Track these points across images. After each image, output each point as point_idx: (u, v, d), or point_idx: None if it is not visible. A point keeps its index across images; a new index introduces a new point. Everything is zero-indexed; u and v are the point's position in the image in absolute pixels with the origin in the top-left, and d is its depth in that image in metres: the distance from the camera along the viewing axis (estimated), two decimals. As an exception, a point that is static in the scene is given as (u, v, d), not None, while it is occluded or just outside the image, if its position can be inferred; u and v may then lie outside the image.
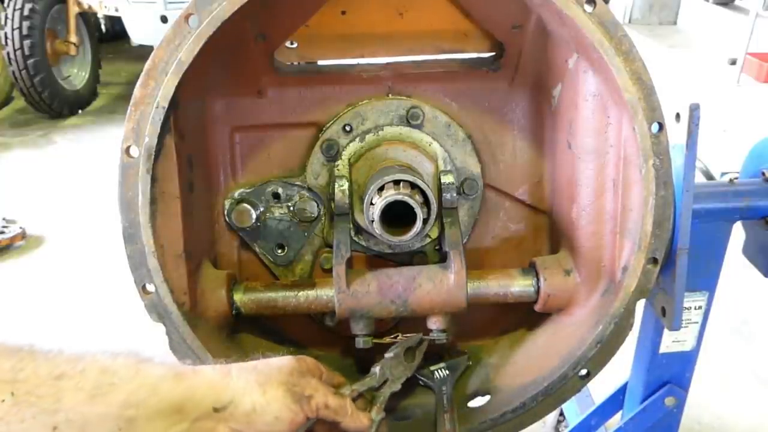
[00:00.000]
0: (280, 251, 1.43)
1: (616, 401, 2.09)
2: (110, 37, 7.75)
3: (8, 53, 6.06)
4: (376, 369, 1.17)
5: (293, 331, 1.47)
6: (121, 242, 1.14)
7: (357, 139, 1.40)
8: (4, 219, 4.43)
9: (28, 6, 6.05)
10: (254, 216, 1.39)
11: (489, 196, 1.46)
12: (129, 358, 0.88)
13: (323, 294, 1.28)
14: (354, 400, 1.08)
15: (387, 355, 1.20)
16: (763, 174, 1.45)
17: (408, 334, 1.26)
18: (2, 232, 4.27)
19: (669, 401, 1.71)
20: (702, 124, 1.18)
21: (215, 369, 0.96)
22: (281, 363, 1.00)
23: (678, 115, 1.21)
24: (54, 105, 6.49)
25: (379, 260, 1.45)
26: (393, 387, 1.17)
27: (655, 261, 1.18)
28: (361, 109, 1.40)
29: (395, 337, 1.22)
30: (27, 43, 6.05)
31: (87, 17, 6.83)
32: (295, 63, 1.47)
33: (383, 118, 1.40)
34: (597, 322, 1.23)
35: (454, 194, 1.30)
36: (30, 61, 6.07)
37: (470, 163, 1.42)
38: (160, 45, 1.08)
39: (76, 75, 6.97)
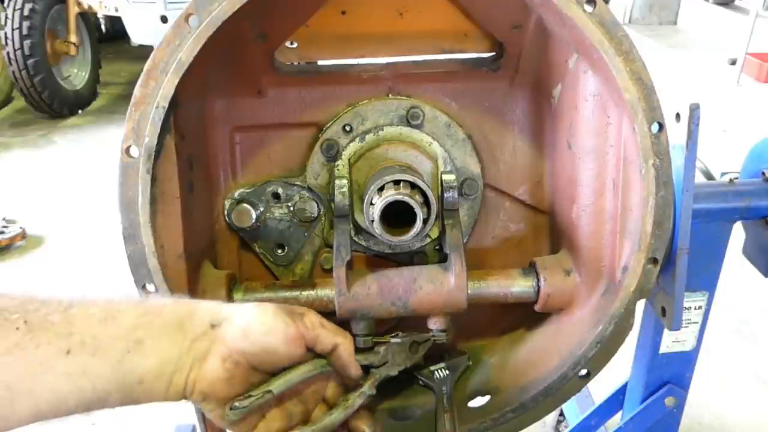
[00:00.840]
0: (280, 251, 1.43)
1: (616, 401, 2.09)
2: (110, 37, 7.75)
3: (8, 53, 6.06)
4: (381, 348, 1.17)
5: (293, 331, 1.47)
6: (121, 242, 1.14)
7: (357, 139, 1.40)
8: (4, 219, 4.43)
9: (28, 6, 6.05)
10: (254, 216, 1.39)
11: (489, 196, 1.46)
12: (133, 297, 0.96)
13: (323, 294, 1.28)
14: None
15: (394, 340, 1.19)
16: (763, 174, 1.45)
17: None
18: (2, 232, 4.27)
19: (669, 401, 1.71)
20: (702, 124, 1.18)
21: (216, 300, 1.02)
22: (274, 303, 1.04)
23: (678, 115, 1.21)
24: (54, 105, 6.49)
25: (379, 260, 1.45)
26: (390, 371, 1.16)
27: (655, 261, 1.18)
28: (361, 109, 1.40)
29: (395, 336, 1.22)
30: (27, 43, 6.05)
31: (87, 17, 6.83)
32: (295, 63, 1.47)
33: (383, 118, 1.40)
34: (597, 322, 1.23)
35: (456, 194, 1.30)
36: (30, 61, 6.07)
37: (470, 163, 1.42)
38: (160, 45, 1.08)
39: (76, 75, 6.98)
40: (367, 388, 1.09)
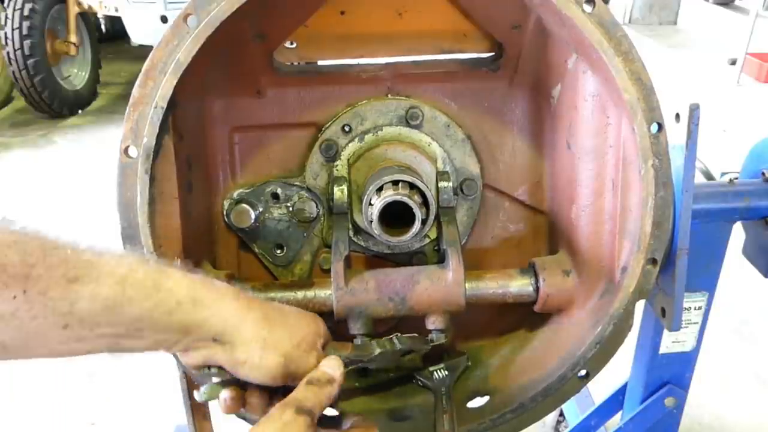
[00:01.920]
0: (279, 251, 1.43)
1: (616, 401, 2.09)
2: (110, 37, 7.75)
3: (8, 53, 6.06)
4: (376, 350, 1.13)
5: (292, 332, 1.47)
6: (120, 242, 1.13)
7: (356, 140, 1.40)
8: (4, 219, 4.43)
9: (28, 6, 6.05)
10: (253, 216, 1.39)
11: (488, 197, 1.46)
12: (150, 270, 0.88)
13: (321, 294, 1.28)
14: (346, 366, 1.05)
15: (395, 346, 1.15)
16: (763, 174, 1.45)
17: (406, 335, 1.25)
18: (2, 232, 4.27)
19: (669, 401, 1.71)
20: (702, 124, 1.17)
21: (236, 306, 0.95)
22: (294, 331, 1.00)
23: (678, 115, 1.20)
24: (54, 105, 6.49)
25: (378, 261, 1.45)
26: (370, 365, 1.14)
27: (654, 261, 1.18)
28: (361, 110, 1.40)
29: (391, 339, 1.22)
30: (27, 43, 6.04)
31: (87, 17, 6.82)
32: (295, 63, 1.47)
33: (382, 119, 1.40)
34: (596, 322, 1.23)
35: (451, 194, 1.30)
36: (30, 61, 6.07)
37: (469, 163, 1.42)
38: (159, 45, 1.08)
39: (76, 75, 6.97)
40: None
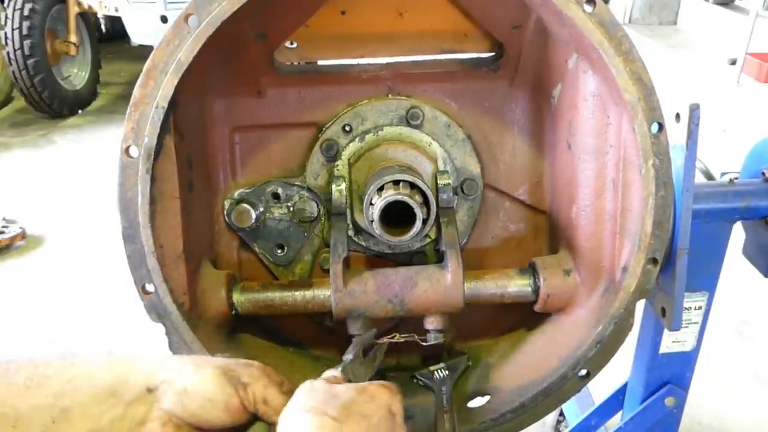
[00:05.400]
0: (279, 251, 1.43)
1: (616, 401, 2.09)
2: (110, 37, 7.75)
3: (8, 53, 6.07)
4: (337, 372, 1.02)
5: (293, 331, 1.47)
6: (120, 242, 1.14)
7: (357, 140, 1.40)
8: (4, 219, 4.43)
9: (28, 6, 6.06)
10: (254, 216, 1.39)
11: (489, 197, 1.46)
12: (66, 353, 0.86)
13: (320, 294, 1.28)
14: None
15: (345, 357, 1.09)
16: (763, 174, 1.45)
17: (405, 335, 1.26)
18: (2, 232, 4.27)
19: (669, 401, 1.72)
20: (702, 124, 1.18)
21: (152, 354, 0.91)
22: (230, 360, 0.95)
23: (678, 115, 1.21)
24: (54, 105, 6.50)
25: (378, 260, 1.45)
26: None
27: (654, 261, 1.18)
28: (361, 109, 1.40)
29: (392, 338, 1.22)
30: (27, 43, 6.05)
31: (87, 17, 6.84)
32: (295, 63, 1.47)
33: (383, 119, 1.40)
34: (597, 322, 1.23)
35: (451, 194, 1.30)
36: (30, 61, 6.08)
37: (470, 163, 1.42)
38: (160, 45, 1.08)
39: (76, 75, 6.98)
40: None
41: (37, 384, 0.80)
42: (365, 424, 0.83)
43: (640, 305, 1.28)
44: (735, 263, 1.63)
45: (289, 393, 0.90)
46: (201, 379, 0.87)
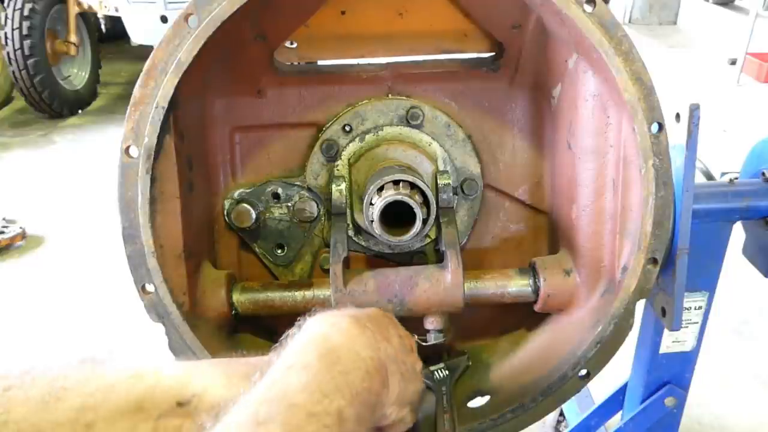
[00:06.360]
0: (279, 251, 1.43)
1: (616, 401, 2.09)
2: (110, 37, 7.75)
3: (8, 53, 6.06)
4: None
5: (293, 332, 1.47)
6: (120, 242, 1.14)
7: (357, 139, 1.40)
8: (4, 219, 4.43)
9: (28, 6, 6.05)
10: (254, 216, 1.39)
11: (489, 197, 1.46)
12: (83, 364, 0.82)
13: (320, 294, 1.29)
14: None
15: None
16: (763, 174, 1.45)
17: None
18: (2, 232, 4.27)
19: (669, 401, 1.71)
20: (702, 124, 1.18)
21: (179, 364, 0.88)
22: (252, 359, 0.92)
23: (678, 115, 1.21)
24: (54, 105, 6.49)
25: (378, 260, 1.45)
26: None
27: (654, 261, 1.18)
28: (361, 109, 1.40)
29: None
30: (27, 43, 6.05)
31: (87, 17, 6.83)
32: (295, 63, 1.47)
33: (383, 118, 1.40)
34: (597, 322, 1.23)
35: (451, 194, 1.30)
36: (30, 61, 6.07)
37: (470, 163, 1.42)
38: (160, 45, 1.08)
39: (76, 75, 6.97)
40: None
41: (56, 398, 0.77)
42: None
43: (640, 305, 1.28)
44: (735, 263, 1.63)
45: None
46: (234, 394, 0.83)
